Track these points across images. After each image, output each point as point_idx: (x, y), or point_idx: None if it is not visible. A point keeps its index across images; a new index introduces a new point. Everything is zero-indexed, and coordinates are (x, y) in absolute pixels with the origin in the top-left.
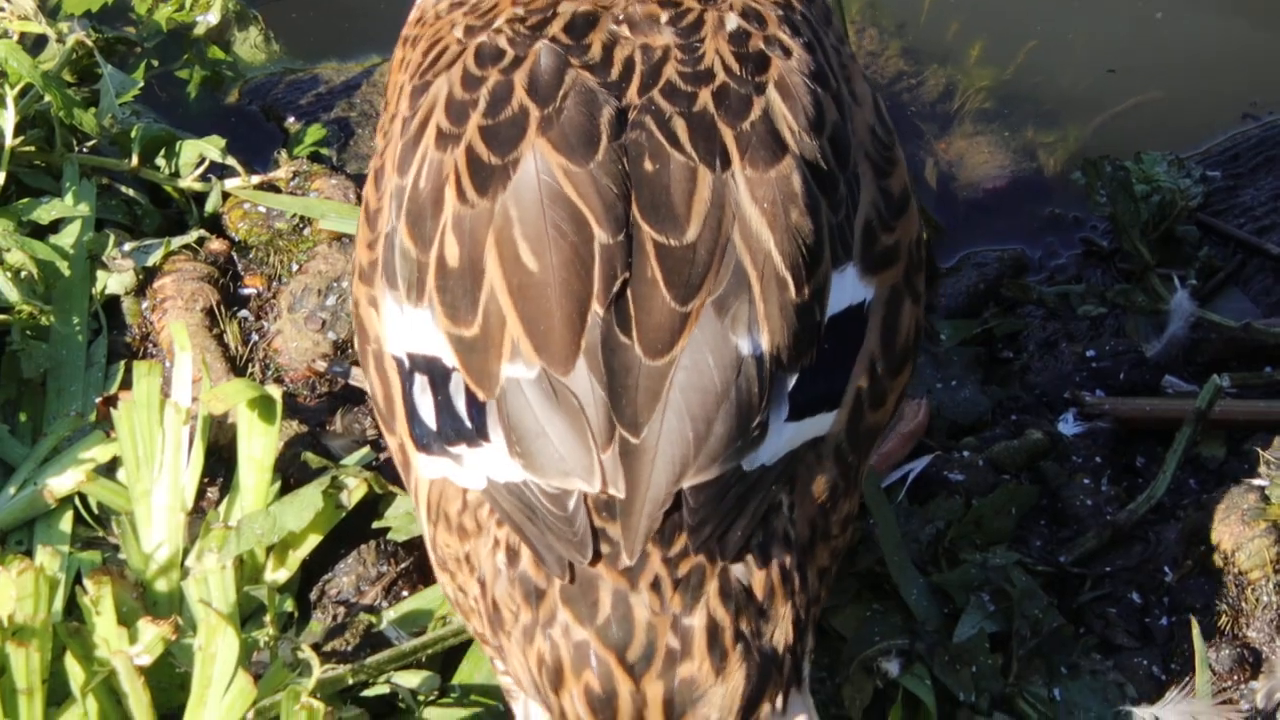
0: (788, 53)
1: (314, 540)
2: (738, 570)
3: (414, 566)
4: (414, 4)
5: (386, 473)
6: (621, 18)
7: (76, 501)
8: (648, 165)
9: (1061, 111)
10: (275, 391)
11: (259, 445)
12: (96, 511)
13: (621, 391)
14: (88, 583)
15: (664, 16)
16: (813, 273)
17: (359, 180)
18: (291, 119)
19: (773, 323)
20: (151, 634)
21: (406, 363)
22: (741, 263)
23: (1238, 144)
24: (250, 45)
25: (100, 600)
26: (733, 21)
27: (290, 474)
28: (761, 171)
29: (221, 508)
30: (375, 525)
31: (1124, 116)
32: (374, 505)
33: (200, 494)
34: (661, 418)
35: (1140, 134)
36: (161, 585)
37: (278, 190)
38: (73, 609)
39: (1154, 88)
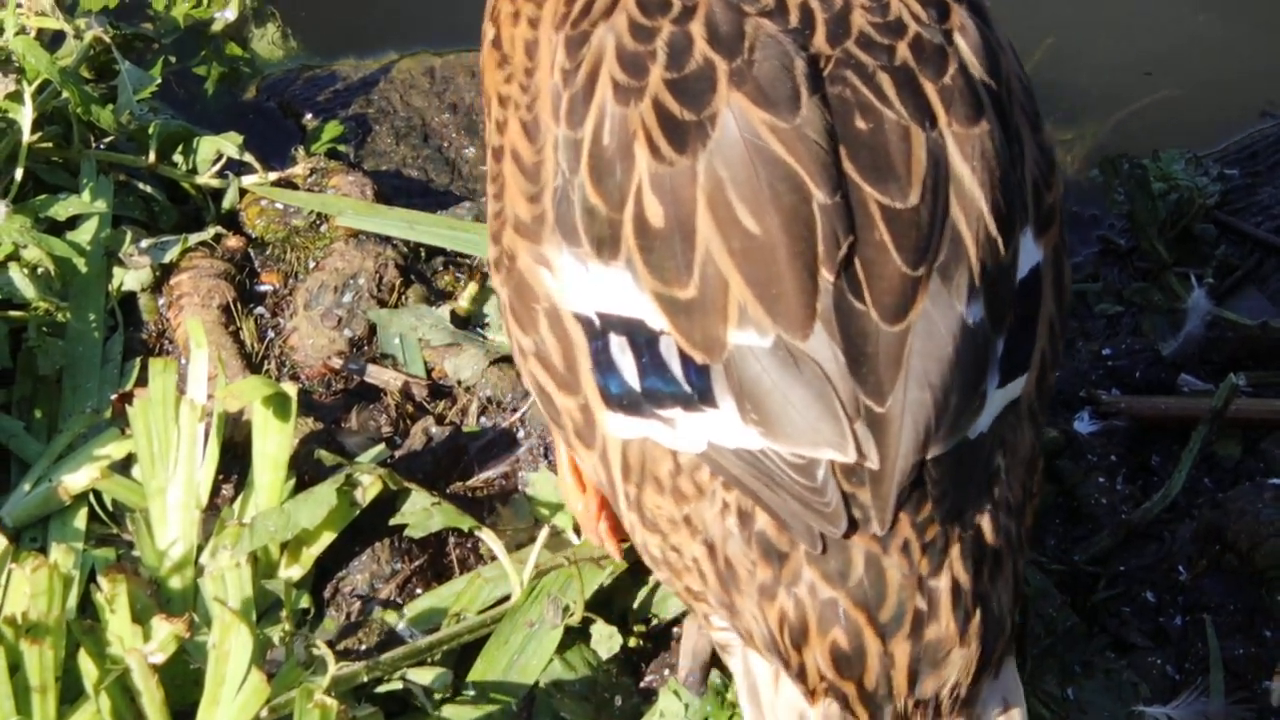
0: None
1: (328, 537)
2: (973, 534)
3: (428, 564)
4: None
5: (401, 469)
6: None
7: (91, 498)
8: (860, 123)
9: (1079, 109)
10: (291, 388)
11: (274, 442)
12: (111, 508)
13: (861, 359)
14: (102, 580)
15: None
16: (1013, 235)
17: (376, 177)
18: (309, 115)
19: (988, 288)
20: (165, 631)
21: (597, 322)
22: (958, 226)
23: (1255, 142)
24: (268, 41)
25: (114, 598)
26: None
27: (305, 471)
28: (967, 128)
29: (236, 505)
30: (390, 522)
31: (1142, 114)
32: (389, 502)
33: (215, 491)
34: (904, 387)
35: (1158, 132)
36: (176, 582)
37: (295, 187)
38: (87, 606)
39: (1171, 85)
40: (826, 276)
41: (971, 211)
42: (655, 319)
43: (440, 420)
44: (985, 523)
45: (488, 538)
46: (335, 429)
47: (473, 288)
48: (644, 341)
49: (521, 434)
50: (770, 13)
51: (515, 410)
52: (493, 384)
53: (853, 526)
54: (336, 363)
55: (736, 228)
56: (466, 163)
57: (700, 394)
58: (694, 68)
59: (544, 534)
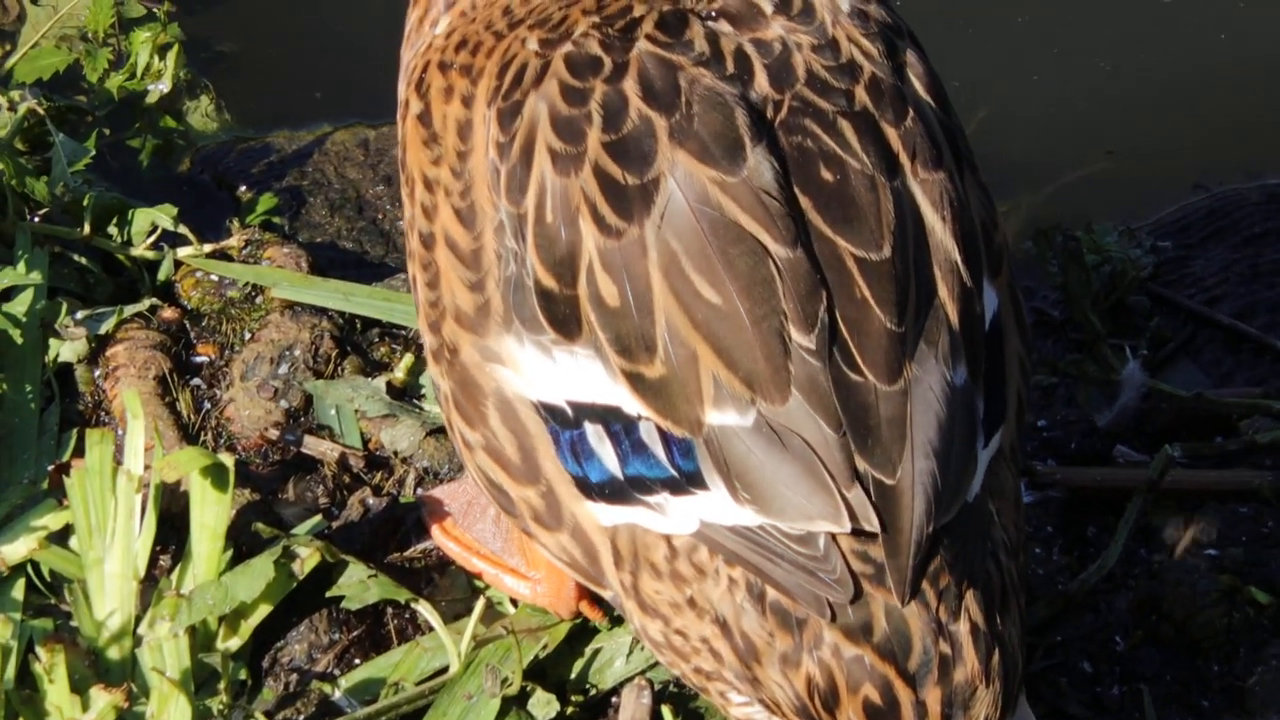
0: (898, 30)
1: (266, 609)
2: (982, 578)
3: (365, 634)
4: (416, 34)
5: (338, 540)
6: (714, 14)
7: (29, 569)
8: (825, 174)
9: (1013, 181)
10: (228, 459)
11: (211, 513)
12: (49, 579)
13: (865, 433)
14: (40, 650)
15: (768, 7)
16: (982, 284)
17: (311, 249)
18: (243, 187)
19: (969, 347)
20: (104, 701)
21: (569, 411)
22: (932, 280)
23: (1187, 214)
24: (202, 114)
25: (53, 668)
26: (845, 1)
27: (242, 542)
28: (931, 174)
29: (174, 576)
30: (328, 594)
31: (1074, 186)
32: (326, 573)
33: (152, 562)
34: (912, 459)
35: (1091, 204)
36: (114, 653)
37: (230, 259)
38: (25, 677)
39: (1104, 159)
40: (799, 339)
41: (946, 264)
42: (630, 404)
43: (377, 491)
44: (990, 567)
45: (424, 609)
46: (272, 500)
47: (408, 359)
48: (621, 428)
49: None
50: (705, 62)
51: (452, 480)
52: (429, 455)
53: (858, 595)
54: (273, 434)
55: (697, 300)
56: (400, 234)
57: (688, 477)
58: (631, 127)
59: (480, 604)
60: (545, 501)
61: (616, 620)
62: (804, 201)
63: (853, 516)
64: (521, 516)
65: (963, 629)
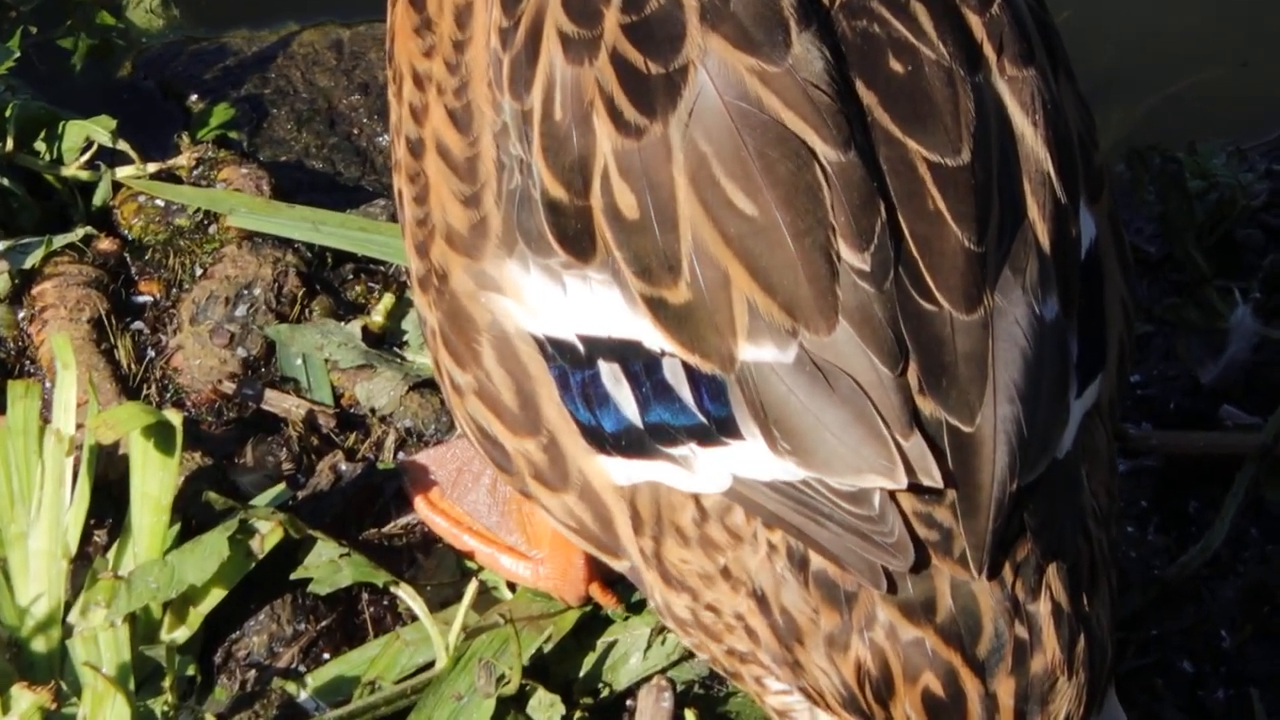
0: None
1: (219, 594)
2: (1067, 550)
3: (337, 624)
4: None
5: (304, 513)
6: None
7: None
8: (894, 64)
9: (1103, 94)
10: (175, 417)
11: (155, 481)
12: None
13: (939, 369)
14: None
15: None
16: (1078, 205)
17: (274, 169)
18: (194, 97)
19: (1061, 275)
20: (28, 702)
21: (580, 348)
22: (1019, 194)
23: None
24: (145, 9)
25: None
26: None
27: (192, 515)
28: (1021, 71)
29: (111, 554)
30: (292, 576)
31: (1177, 100)
32: (291, 552)
33: (86, 538)
34: (994, 403)
35: (1196, 121)
36: (39, 645)
37: (179, 181)
38: None
39: (1213, 65)
40: (850, 258)
41: (1036, 177)
42: (652, 337)
43: (351, 455)
44: (1078, 537)
45: (406, 595)
46: (227, 465)
47: (388, 300)
48: (642, 367)
49: None
50: None
51: (440, 443)
52: (412, 413)
53: (922, 563)
54: (228, 387)
55: (729, 211)
56: (380, 152)
57: (719, 424)
58: (656, 6)
59: (472, 589)
60: (548, 456)
61: (633, 609)
62: (867, 97)
63: (909, 470)
64: (520, 475)
65: (1043, 610)
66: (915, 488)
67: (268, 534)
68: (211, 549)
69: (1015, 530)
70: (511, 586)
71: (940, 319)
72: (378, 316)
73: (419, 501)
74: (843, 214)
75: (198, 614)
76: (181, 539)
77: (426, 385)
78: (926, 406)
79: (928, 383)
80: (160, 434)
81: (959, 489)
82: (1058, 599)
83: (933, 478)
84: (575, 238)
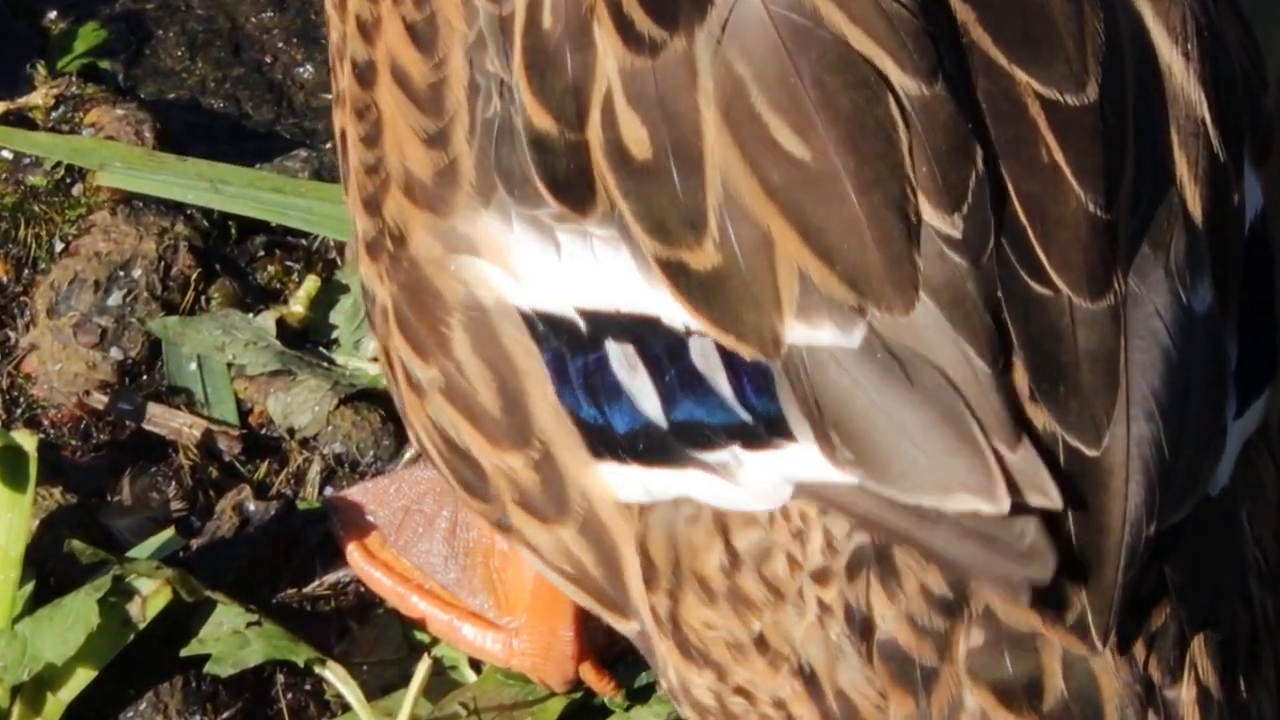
0: None
1: (87, 675)
2: (1220, 617)
3: (242, 714)
4: None
5: (200, 568)
6: None
7: None
8: None
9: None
10: (27, 441)
11: (1, 524)
12: None
13: (1054, 372)
14: None
15: None
16: (1241, 164)
17: (161, 110)
18: (53, 14)
19: (1218, 257)
20: None
21: (581, 325)
22: (1164, 144)
23: None
24: None
25: None
26: None
27: (50, 571)
28: None
29: None
30: (184, 653)
31: None
32: (180, 620)
33: None
34: (1127, 419)
35: None
36: None
37: (32, 126)
38: None
39: None
40: (934, 219)
41: (1187, 126)
42: (674, 311)
43: (262, 491)
44: (1234, 600)
45: (336, 677)
46: (98, 505)
47: (312, 284)
48: (664, 349)
49: None
50: None
51: (381, 474)
52: (344, 434)
53: (1025, 621)
54: (99, 401)
55: (772, 152)
56: (301, 87)
57: (769, 423)
58: None
59: (423, 670)
60: (540, 475)
61: (637, 695)
62: (962, 12)
63: (1013, 488)
64: (498, 502)
65: (1185, 696)
66: (1016, 511)
67: (151, 596)
68: (76, 616)
69: (1151, 589)
70: (476, 666)
71: (1056, 306)
72: (298, 306)
73: (353, 551)
74: (925, 163)
75: (58, 703)
76: (36, 603)
77: (362, 398)
78: (1037, 418)
79: (1039, 388)
80: (8, 464)
81: (1078, 531)
82: (1205, 682)
83: (1048, 497)
84: (568, 182)
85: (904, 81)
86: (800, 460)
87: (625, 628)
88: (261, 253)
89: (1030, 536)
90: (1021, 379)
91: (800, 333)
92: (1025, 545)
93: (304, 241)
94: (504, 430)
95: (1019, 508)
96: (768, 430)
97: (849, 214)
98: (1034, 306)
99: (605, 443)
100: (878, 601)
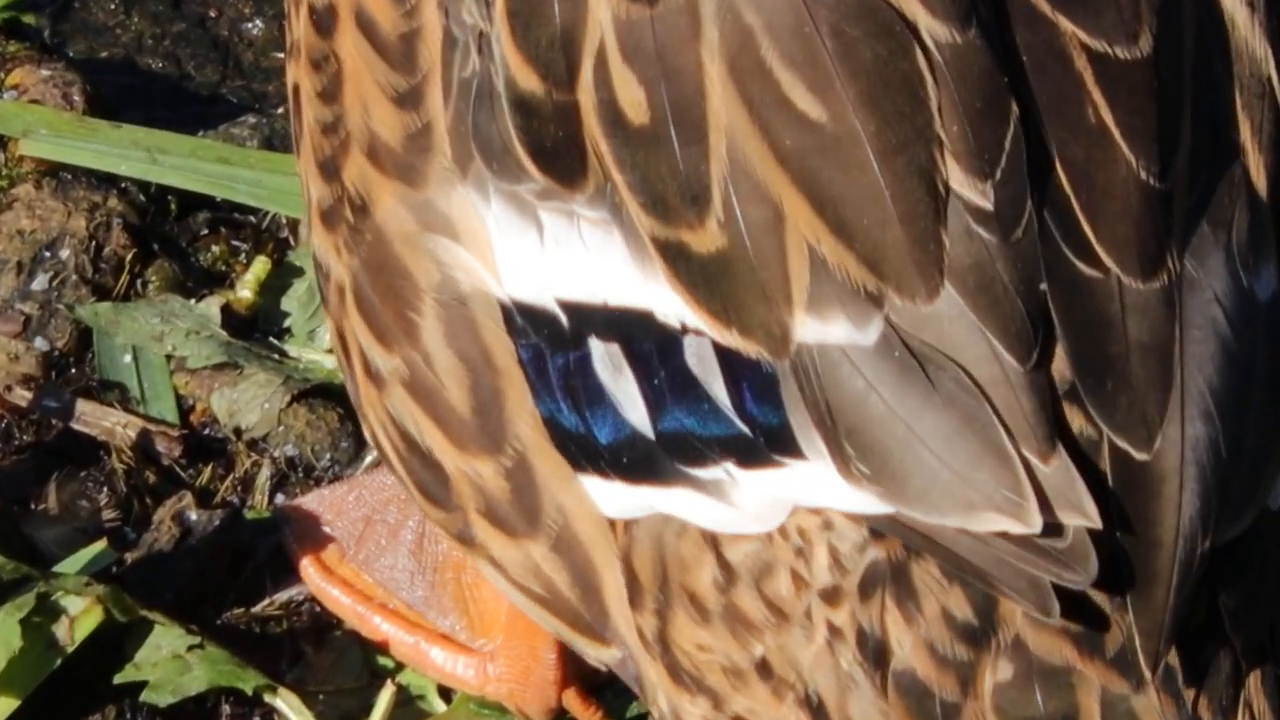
0: None
1: (9, 705)
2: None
3: None
4: None
5: (136, 585)
6: None
7: None
8: None
9: None
10: None
11: None
12: None
13: (1101, 364)
14: None
15: None
16: None
17: (91, 71)
18: None
19: None
20: None
21: (563, 319)
22: (1226, 107)
23: None
24: None
25: None
26: None
27: None
28: None
29: None
30: (117, 679)
31: None
32: (114, 643)
33: None
34: (1182, 419)
35: None
36: None
37: None
38: None
39: None
40: (964, 189)
41: (1251, 83)
42: (670, 303)
43: (205, 499)
44: None
45: (289, 706)
46: (20, 514)
47: (261, 266)
48: (654, 348)
49: None
50: None
51: (340, 479)
52: (298, 434)
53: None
54: (21, 397)
55: (784, 114)
56: (250, 45)
57: (770, 435)
58: None
59: (386, 698)
60: (511, 483)
61: None
62: None
63: (1046, 505)
64: (461, 512)
65: None
66: (1051, 530)
67: (80, 616)
68: None
69: (1204, 613)
70: (446, 694)
71: (1104, 289)
72: (246, 291)
73: (308, 566)
74: (956, 122)
75: None
76: None
77: (318, 394)
78: (1077, 419)
79: (1083, 383)
80: None
81: (1124, 547)
82: None
83: (1086, 515)
84: (555, 152)
85: (933, 28)
86: (806, 479)
87: (602, 655)
88: (205, 231)
89: (1069, 536)
90: (1060, 374)
91: (811, 329)
92: (1064, 545)
93: (252, 219)
94: (473, 433)
95: (1052, 528)
96: (769, 444)
97: (869, 185)
98: (1078, 289)
99: (587, 454)
100: (894, 626)
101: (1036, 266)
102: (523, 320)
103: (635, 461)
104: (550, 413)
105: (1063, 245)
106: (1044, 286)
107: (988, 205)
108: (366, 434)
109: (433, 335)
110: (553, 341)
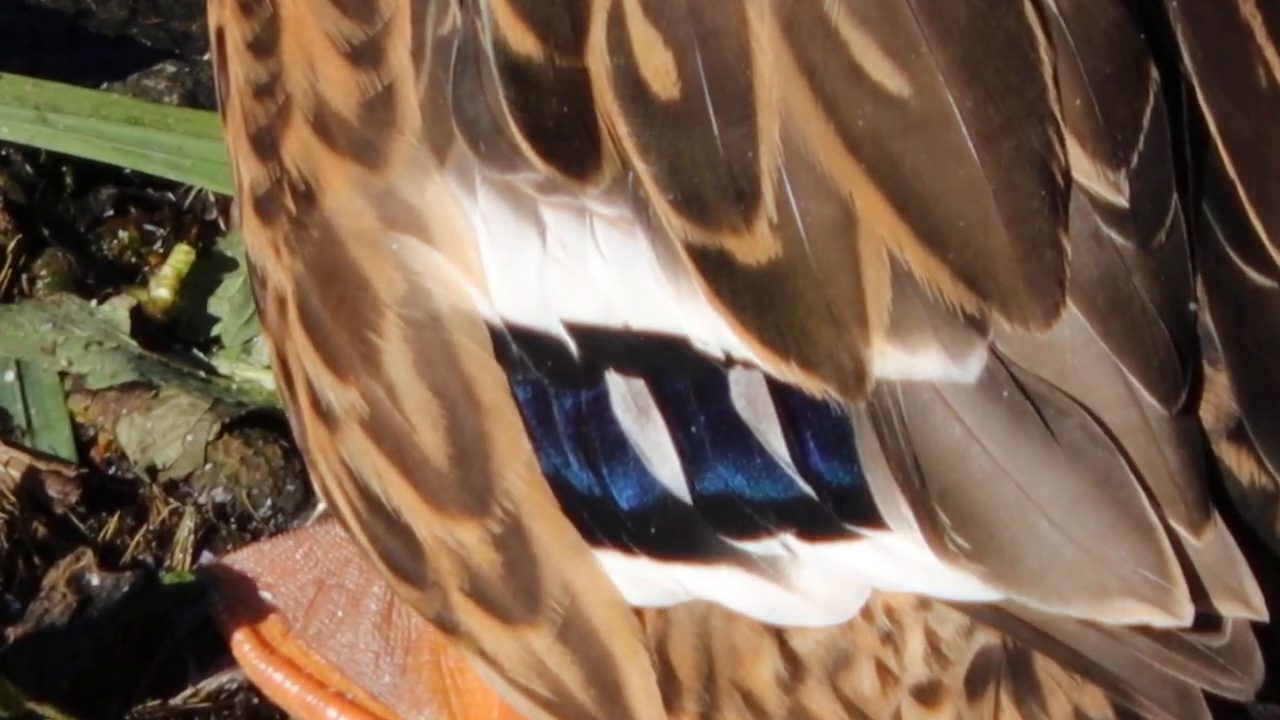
0: None
1: None
2: None
3: None
4: None
5: (18, 670)
6: None
7: None
8: None
9: None
10: None
11: None
12: None
13: (1277, 400)
14: None
15: None
16: None
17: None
18: None
19: None
20: None
21: (571, 347)
22: None
23: None
24: None
25: None
26: None
27: None
28: None
29: None
30: None
31: None
32: None
33: None
34: None
35: None
36: None
37: None
38: None
39: None
40: (1090, 178)
41: None
42: (711, 327)
43: (111, 558)
44: None
45: None
46: None
47: (182, 258)
48: (690, 386)
49: None
50: None
51: (283, 531)
52: (231, 474)
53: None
54: None
55: (855, 85)
56: None
57: (840, 498)
58: None
59: None
60: (502, 555)
61: None
62: None
63: (1198, 591)
64: (437, 590)
65: None
66: (1203, 623)
67: None
68: None
69: None
70: None
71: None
72: (163, 290)
73: (243, 644)
74: (1078, 94)
75: None
76: None
77: (256, 422)
78: (1246, 467)
79: (1255, 423)
80: None
81: None
82: None
83: (1249, 604)
84: (560, 133)
85: None
86: (888, 556)
87: None
88: (110, 212)
89: (1227, 632)
90: (1215, 415)
91: (894, 361)
92: (1222, 642)
93: (171, 196)
94: (452, 489)
95: (1206, 620)
96: (839, 510)
97: (966, 176)
98: (1247, 302)
99: (603, 521)
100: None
101: (1185, 279)
102: (519, 348)
103: (666, 533)
104: (556, 468)
105: (1226, 248)
106: (1194, 306)
107: (1121, 201)
108: (316, 486)
109: (398, 362)
110: (559, 377)
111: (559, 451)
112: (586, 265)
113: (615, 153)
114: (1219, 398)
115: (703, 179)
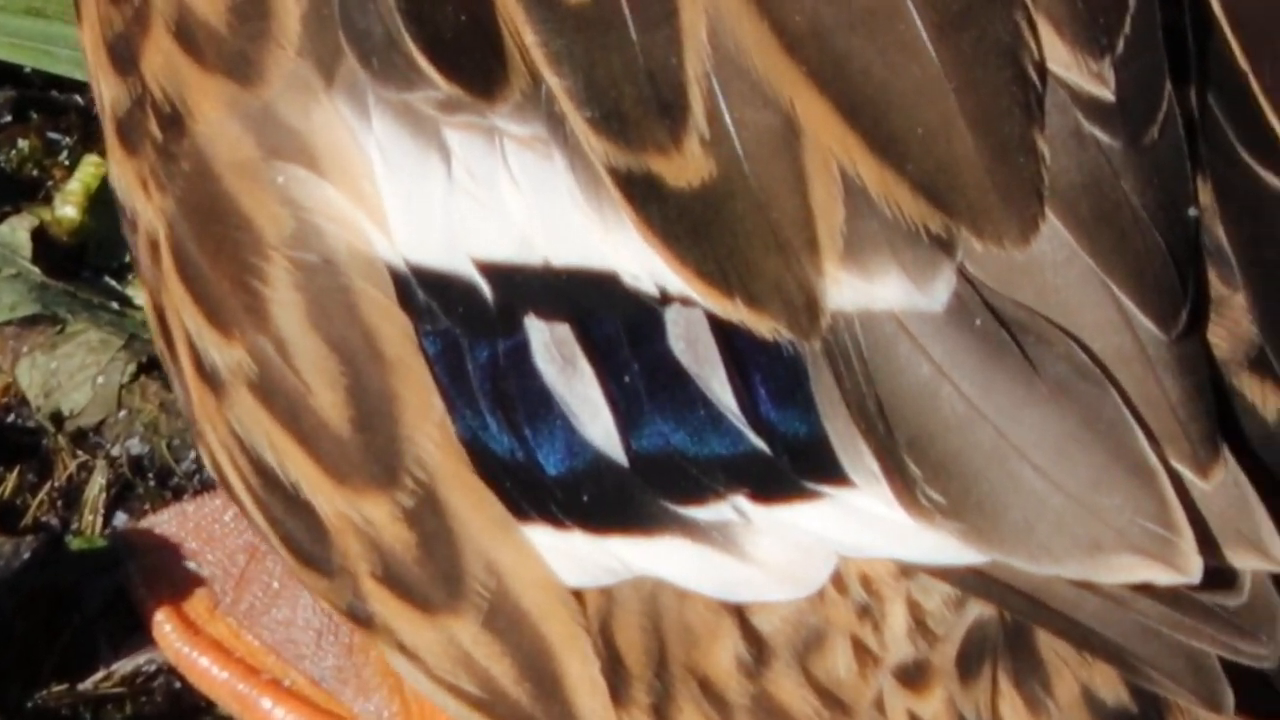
0: None
1: None
2: None
3: None
4: None
5: None
6: None
7: None
8: None
9: None
10: None
11: None
12: None
13: None
14: None
15: None
16: None
17: None
18: None
19: None
20: None
21: (485, 289)
22: None
23: None
24: None
25: None
26: None
27: None
28: None
29: None
30: None
31: None
32: None
33: None
34: None
35: None
36: None
37: None
38: None
39: None
40: (1066, 68)
41: None
42: (642, 260)
43: (9, 520)
44: None
45: None
46: None
47: (92, 171)
48: (622, 328)
49: None
50: None
51: (209, 489)
52: (147, 423)
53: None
54: None
55: None
56: None
57: (796, 450)
58: None
59: None
60: (416, 533)
61: None
62: None
63: (1207, 542)
64: (345, 577)
65: None
66: (1216, 579)
67: None
68: None
69: None
70: None
71: None
72: (68, 208)
73: (164, 622)
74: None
75: None
76: None
77: None
78: (1270, 402)
79: (1277, 347)
80: None
81: None
82: None
83: (1267, 552)
84: (460, 44)
85: None
86: (853, 516)
87: None
88: (7, 118)
89: (1244, 591)
90: (1234, 343)
91: (850, 290)
92: (1238, 601)
93: (79, 99)
94: (356, 458)
95: (1218, 575)
96: (796, 465)
97: (924, 75)
98: (1263, 207)
99: (529, 491)
100: (1013, 718)
101: (1183, 180)
102: (425, 294)
103: (601, 501)
104: (472, 431)
105: (1238, 148)
106: (1194, 211)
107: (1105, 94)
108: (206, 461)
109: (289, 313)
110: (472, 325)
111: (475, 411)
112: (498, 194)
113: (523, 64)
114: (1236, 322)
115: (622, 92)
